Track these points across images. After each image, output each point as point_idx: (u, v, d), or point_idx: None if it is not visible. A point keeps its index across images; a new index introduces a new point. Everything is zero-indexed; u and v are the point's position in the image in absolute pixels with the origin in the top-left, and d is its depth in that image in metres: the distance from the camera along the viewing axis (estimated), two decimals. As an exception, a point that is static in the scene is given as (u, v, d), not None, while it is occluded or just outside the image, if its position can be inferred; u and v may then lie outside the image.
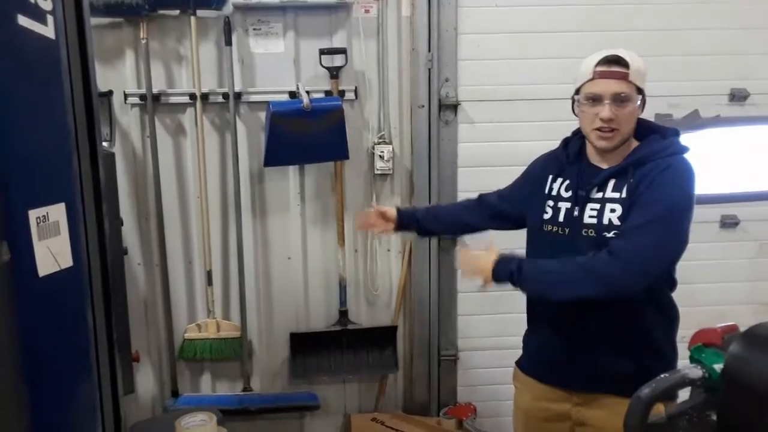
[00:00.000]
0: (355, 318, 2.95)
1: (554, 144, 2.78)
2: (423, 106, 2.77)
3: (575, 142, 1.86)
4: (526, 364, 1.95)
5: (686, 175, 1.67)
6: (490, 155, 2.81)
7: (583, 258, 1.64)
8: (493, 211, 2.06)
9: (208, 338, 2.86)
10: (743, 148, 2.93)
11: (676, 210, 1.63)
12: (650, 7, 2.78)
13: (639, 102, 1.70)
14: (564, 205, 1.78)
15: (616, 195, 1.70)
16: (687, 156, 1.72)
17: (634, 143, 1.76)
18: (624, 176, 1.70)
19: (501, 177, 2.76)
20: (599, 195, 1.73)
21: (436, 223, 2.15)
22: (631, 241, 1.61)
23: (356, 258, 2.93)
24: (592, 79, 1.68)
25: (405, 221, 2.11)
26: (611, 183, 1.72)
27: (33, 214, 1.34)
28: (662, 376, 1.19)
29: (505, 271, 1.69)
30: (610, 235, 1.67)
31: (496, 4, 2.73)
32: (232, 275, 2.89)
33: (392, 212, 2.11)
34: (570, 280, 1.64)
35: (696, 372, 1.16)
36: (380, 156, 2.79)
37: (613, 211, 1.69)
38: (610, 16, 2.76)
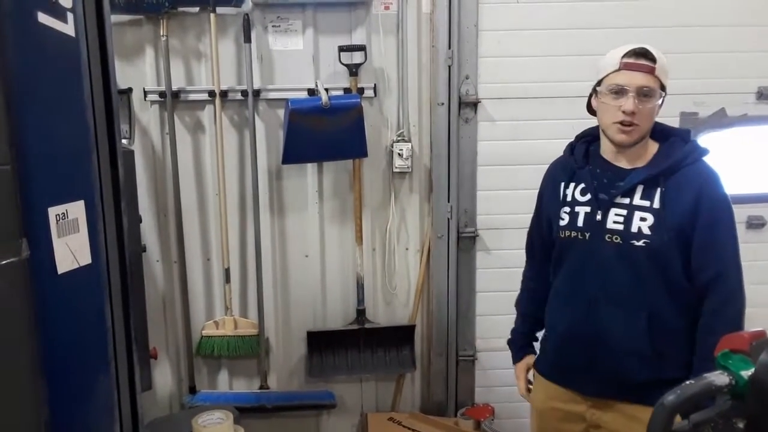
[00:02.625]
0: (373, 317, 2.93)
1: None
2: (443, 104, 2.75)
3: (580, 147, 1.83)
4: (542, 365, 1.93)
5: (723, 191, 1.68)
6: (510, 154, 2.78)
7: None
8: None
9: (225, 335, 2.86)
10: (770, 148, 2.87)
11: (733, 228, 1.69)
12: (676, 3, 2.72)
13: (661, 100, 1.66)
14: (582, 210, 1.74)
15: (646, 203, 1.66)
16: (707, 158, 1.70)
17: (652, 143, 1.73)
18: (653, 184, 1.67)
19: (521, 176, 2.77)
20: (626, 200, 1.69)
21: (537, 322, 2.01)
22: (721, 286, 1.64)
23: (374, 256, 2.92)
24: (617, 70, 1.64)
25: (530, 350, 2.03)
26: (639, 189, 1.68)
27: (52, 212, 1.34)
28: (688, 382, 1.15)
29: None
30: (640, 243, 1.65)
31: (517, 0, 2.69)
32: (250, 273, 2.89)
33: (530, 364, 2.00)
34: None
35: (722, 379, 1.12)
36: (399, 154, 2.77)
37: (643, 219, 1.66)
38: (635, 13, 2.70)
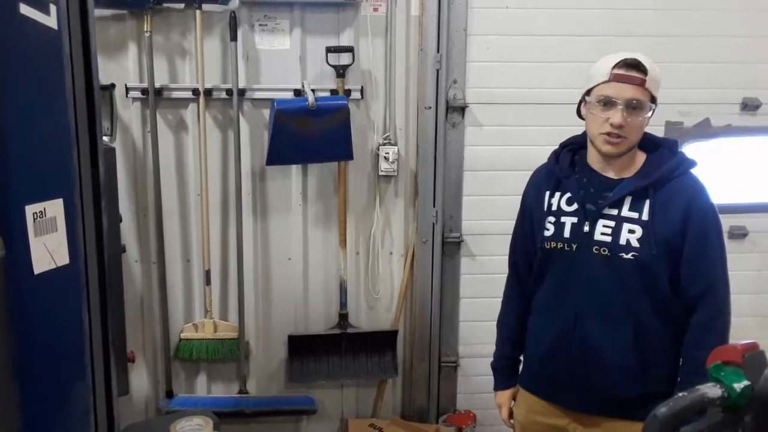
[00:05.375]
0: (355, 321, 2.90)
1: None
2: (430, 108, 2.73)
3: (565, 154, 1.80)
4: (525, 378, 1.89)
5: (712, 203, 1.66)
6: (497, 159, 2.77)
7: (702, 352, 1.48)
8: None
9: (204, 338, 2.81)
10: (754, 159, 2.89)
11: (722, 242, 1.68)
12: (664, 13, 2.73)
13: (650, 112, 1.64)
14: (569, 220, 1.71)
15: (635, 215, 1.64)
16: (695, 170, 1.69)
17: (640, 154, 1.71)
18: (642, 195, 1.65)
19: (507, 181, 2.76)
20: (614, 212, 1.66)
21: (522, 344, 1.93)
22: (711, 300, 1.63)
23: (358, 260, 2.89)
24: (607, 81, 1.62)
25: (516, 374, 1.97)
26: (628, 200, 1.66)
27: (30, 210, 1.30)
28: (680, 394, 1.14)
29: None
30: (628, 256, 1.63)
31: (507, 5, 2.68)
32: (231, 275, 2.84)
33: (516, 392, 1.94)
34: None
35: (715, 391, 1.11)
36: (385, 157, 2.74)
37: (632, 232, 1.64)
38: (623, 21, 2.71)
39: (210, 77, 2.67)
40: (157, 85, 2.65)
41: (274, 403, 2.84)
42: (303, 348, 2.83)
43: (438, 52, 2.69)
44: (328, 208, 2.84)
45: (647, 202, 1.64)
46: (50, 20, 1.39)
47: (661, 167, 1.66)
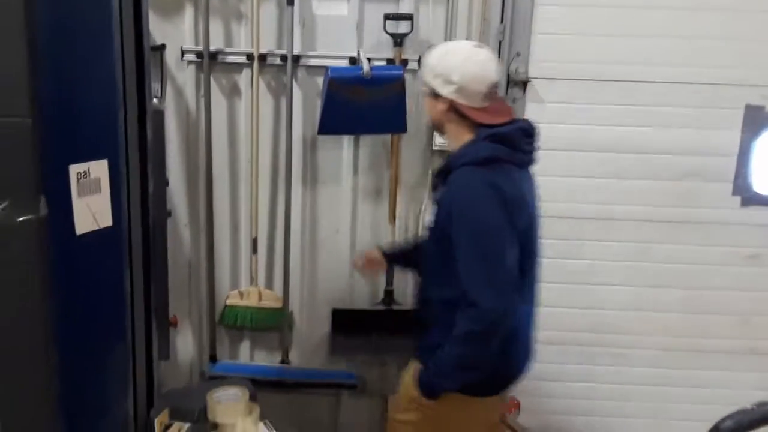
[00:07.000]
0: (401, 299, 2.83)
1: (627, 130, 2.61)
2: (489, 82, 2.60)
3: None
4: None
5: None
6: (559, 138, 2.62)
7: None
8: None
9: (249, 306, 2.80)
10: None
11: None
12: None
13: (437, 99, 1.80)
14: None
15: None
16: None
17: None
18: None
19: (568, 162, 2.63)
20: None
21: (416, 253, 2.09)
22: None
23: (407, 237, 2.81)
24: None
25: (392, 263, 2.31)
26: None
27: (73, 169, 1.27)
28: (746, 407, 1.10)
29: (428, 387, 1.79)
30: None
31: (579, -27, 2.52)
32: (278, 244, 2.81)
33: (378, 255, 2.25)
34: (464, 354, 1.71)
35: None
36: (440, 131, 2.64)
37: None
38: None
39: (265, 42, 2.61)
40: (212, 48, 2.61)
41: (315, 376, 2.83)
42: (347, 322, 2.80)
43: (502, 22, 2.54)
44: (379, 182, 2.76)
45: None
46: (100, -26, 1.34)
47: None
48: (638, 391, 2.87)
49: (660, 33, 2.52)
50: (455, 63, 1.74)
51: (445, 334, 1.72)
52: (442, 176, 1.80)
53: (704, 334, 2.81)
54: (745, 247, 2.73)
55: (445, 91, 1.76)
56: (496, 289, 1.63)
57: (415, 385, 1.80)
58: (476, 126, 1.75)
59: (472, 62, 1.74)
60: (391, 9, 2.59)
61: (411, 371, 1.91)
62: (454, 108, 1.77)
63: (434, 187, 1.86)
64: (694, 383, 2.86)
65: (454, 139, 1.81)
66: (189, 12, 2.63)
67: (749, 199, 2.67)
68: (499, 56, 2.57)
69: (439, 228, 1.77)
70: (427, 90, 1.82)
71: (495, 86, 1.77)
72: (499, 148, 1.71)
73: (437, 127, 1.88)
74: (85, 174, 1.29)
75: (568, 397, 2.88)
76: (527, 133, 1.79)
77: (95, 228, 1.34)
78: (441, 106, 1.79)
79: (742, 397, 2.78)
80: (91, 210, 1.32)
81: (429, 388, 1.77)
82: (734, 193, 2.66)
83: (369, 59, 2.52)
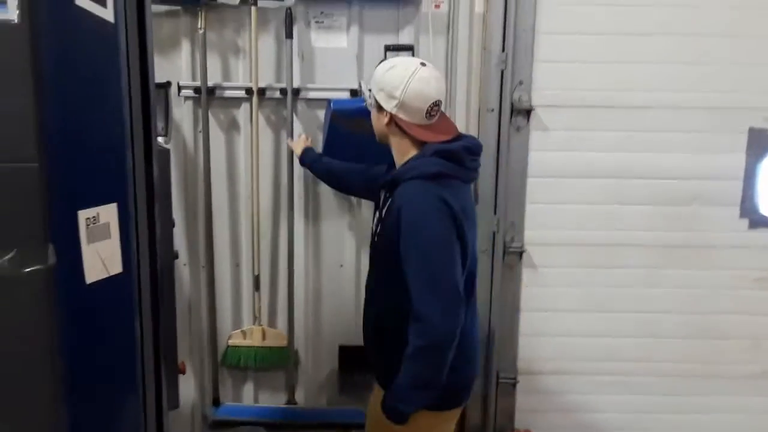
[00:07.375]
0: (409, 333, 2.77)
1: (632, 156, 2.59)
2: (493, 110, 2.58)
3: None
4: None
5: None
6: (564, 165, 2.60)
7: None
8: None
9: (252, 346, 2.72)
10: None
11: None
12: (750, 11, 2.52)
13: (383, 113, 1.80)
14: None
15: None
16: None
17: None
18: None
19: (574, 189, 2.60)
20: None
21: (328, 176, 2.33)
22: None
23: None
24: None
25: (307, 160, 2.38)
26: None
27: (82, 215, 1.21)
28: None
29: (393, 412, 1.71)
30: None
31: (578, 2, 2.51)
32: (281, 281, 2.74)
33: (306, 145, 2.43)
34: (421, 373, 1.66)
35: None
36: (444, 161, 2.60)
37: None
38: (704, 20, 2.51)
39: (264, 76, 2.58)
40: (210, 83, 2.58)
41: (324, 416, 2.74)
42: (354, 359, 2.72)
43: (503, 51, 2.54)
44: (383, 214, 2.72)
45: None
46: (107, 13, 1.31)
47: None
48: (649, 419, 2.81)
49: (662, 59, 2.52)
50: (398, 79, 1.74)
51: (399, 350, 1.68)
52: (387, 189, 1.78)
53: (715, 359, 2.77)
54: (754, 270, 2.70)
55: (388, 106, 1.77)
56: (443, 303, 1.61)
57: (382, 412, 1.73)
58: (419, 142, 1.75)
59: (415, 79, 1.72)
60: (391, 40, 2.58)
61: (376, 397, 1.87)
62: (395, 123, 1.77)
63: (379, 200, 1.84)
64: (707, 409, 2.80)
65: (397, 153, 1.82)
66: (185, 47, 2.60)
67: (757, 221, 2.65)
68: (501, 85, 2.56)
69: (385, 241, 1.75)
70: (372, 102, 1.85)
71: (437, 105, 1.75)
72: (446, 164, 1.71)
73: (381, 139, 1.88)
74: (95, 219, 1.23)
75: (578, 426, 2.81)
76: (472, 151, 1.79)
77: (105, 275, 1.28)
78: (384, 119, 1.80)
79: (757, 422, 2.74)
80: (101, 257, 1.26)
81: (395, 412, 1.70)
82: (741, 216, 2.65)
83: (370, 90, 2.48)
